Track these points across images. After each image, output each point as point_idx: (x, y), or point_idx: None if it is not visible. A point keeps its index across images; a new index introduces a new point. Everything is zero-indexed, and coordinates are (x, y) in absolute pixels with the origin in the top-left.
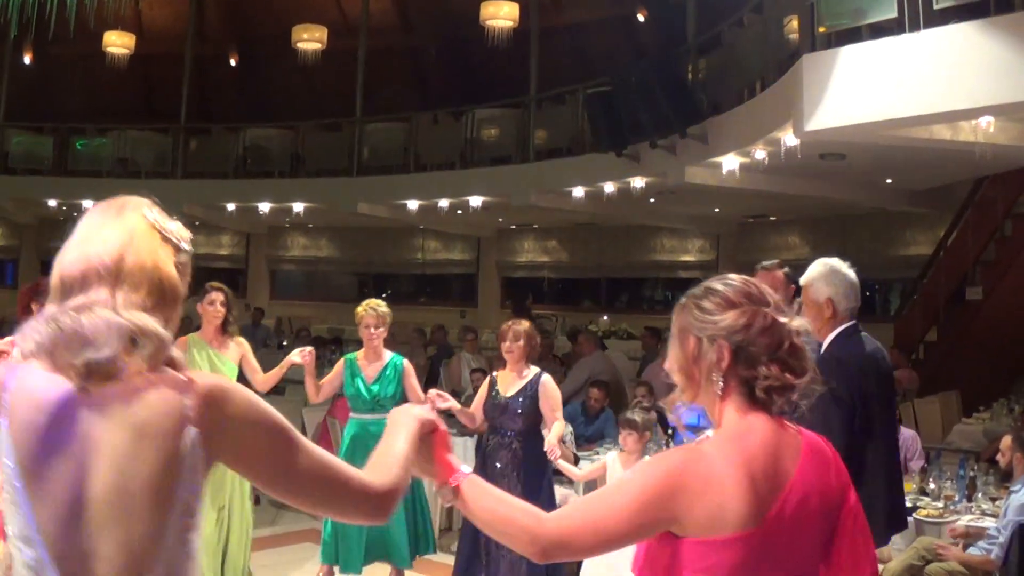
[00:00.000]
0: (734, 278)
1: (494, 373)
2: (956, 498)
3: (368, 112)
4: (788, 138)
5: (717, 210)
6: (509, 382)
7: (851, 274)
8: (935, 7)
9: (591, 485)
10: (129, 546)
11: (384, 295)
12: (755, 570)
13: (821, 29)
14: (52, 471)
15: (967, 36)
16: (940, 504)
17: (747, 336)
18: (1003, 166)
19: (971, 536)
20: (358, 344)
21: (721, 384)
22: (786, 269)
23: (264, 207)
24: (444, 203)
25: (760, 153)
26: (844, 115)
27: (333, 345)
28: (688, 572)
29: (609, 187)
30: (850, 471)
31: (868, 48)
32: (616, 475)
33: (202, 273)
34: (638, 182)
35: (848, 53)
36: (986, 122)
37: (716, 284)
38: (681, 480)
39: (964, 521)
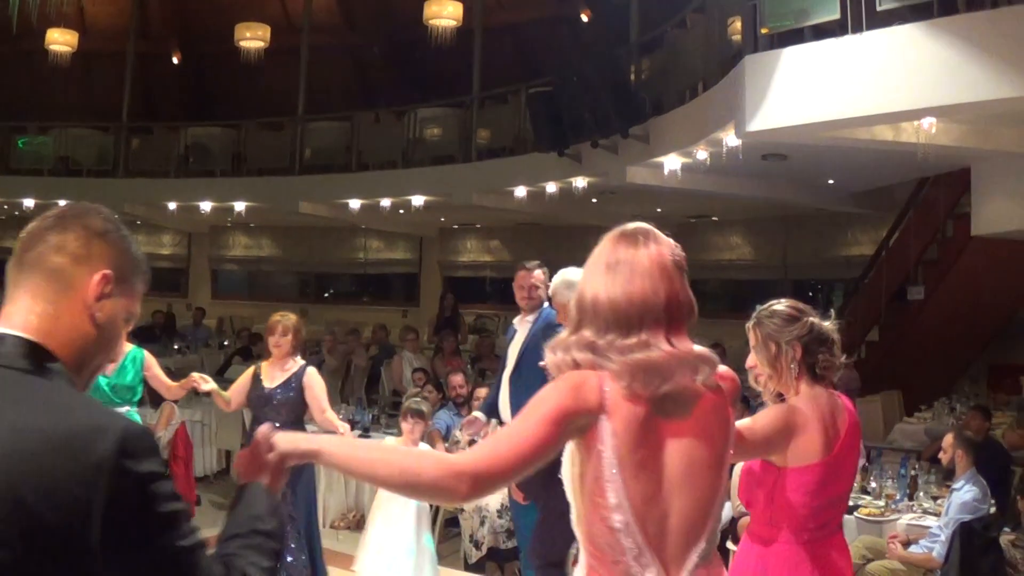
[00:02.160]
0: (784, 301)
1: (259, 364)
2: (897, 497)
3: (311, 111)
4: (730, 139)
5: (659, 210)
6: (273, 374)
7: None
8: (878, 8)
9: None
10: (697, 509)
11: (326, 295)
12: (829, 484)
13: (764, 30)
14: (640, 457)
15: (910, 38)
16: (881, 503)
17: (809, 337)
18: (945, 167)
19: (912, 540)
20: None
21: (796, 370)
22: (544, 268)
23: (206, 206)
24: (386, 202)
25: (702, 153)
26: (786, 116)
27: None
28: (789, 490)
29: (551, 187)
30: None
31: (810, 49)
32: None
33: None
34: (580, 182)
35: (790, 54)
36: (928, 123)
37: (776, 306)
38: (792, 422)
39: (905, 520)
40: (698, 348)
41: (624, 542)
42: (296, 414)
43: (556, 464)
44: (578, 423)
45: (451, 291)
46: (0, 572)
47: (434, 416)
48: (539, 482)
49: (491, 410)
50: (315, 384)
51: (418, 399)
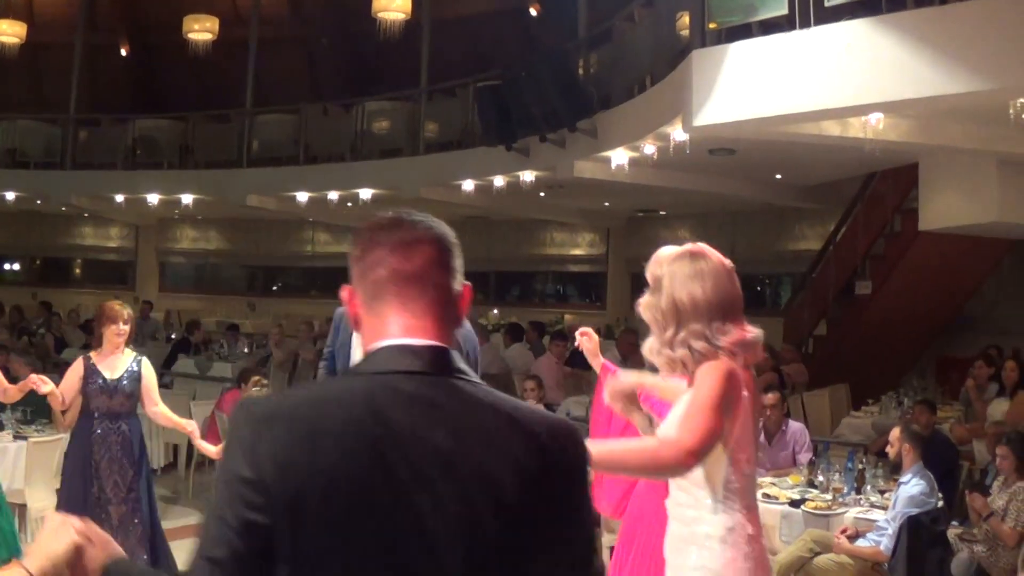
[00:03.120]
0: None
1: (92, 358)
2: (844, 490)
3: (259, 103)
4: (677, 133)
5: (607, 204)
6: (112, 365)
7: None
8: (826, 4)
9: None
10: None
11: (274, 288)
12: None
13: (712, 25)
14: (750, 421)
15: (858, 33)
16: (828, 496)
17: None
18: (893, 162)
19: (860, 533)
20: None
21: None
22: None
23: (153, 199)
24: (334, 195)
25: (649, 148)
26: (733, 111)
27: (229, 333)
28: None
29: (499, 181)
30: None
31: (758, 44)
32: None
33: (91, 265)
34: (528, 176)
35: (738, 49)
36: (875, 119)
37: None
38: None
39: (852, 513)
40: (758, 328)
41: (749, 487)
42: (135, 405)
43: None
44: (731, 398)
45: None
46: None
47: None
48: None
49: None
50: (151, 375)
51: (259, 388)
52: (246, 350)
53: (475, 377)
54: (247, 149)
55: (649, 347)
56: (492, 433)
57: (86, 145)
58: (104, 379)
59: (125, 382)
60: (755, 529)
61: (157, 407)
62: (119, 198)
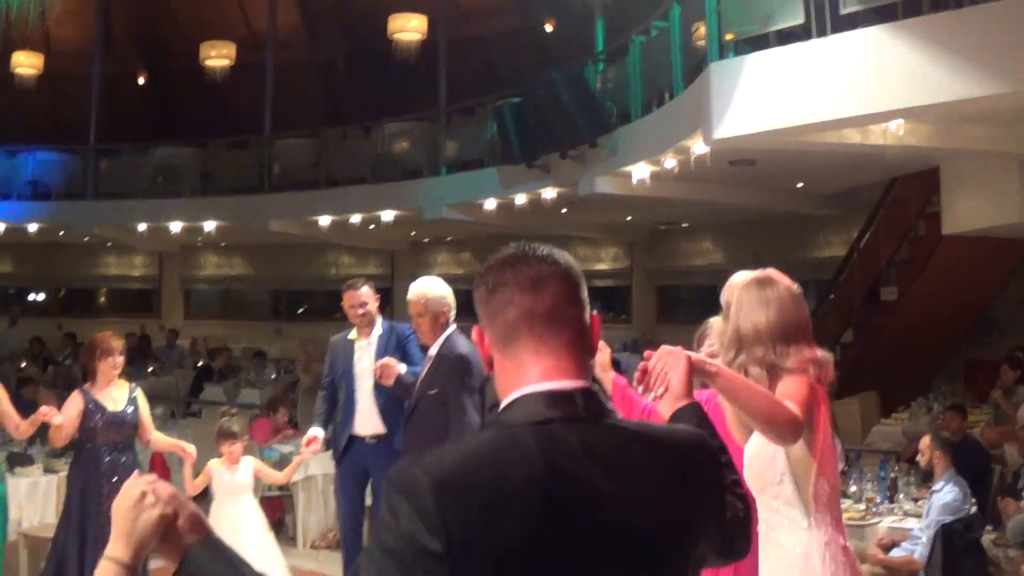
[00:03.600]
0: None
1: (90, 391)
2: (878, 500)
3: (278, 128)
4: (697, 146)
5: (629, 218)
6: (112, 397)
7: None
8: (842, 12)
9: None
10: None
11: (299, 311)
12: None
13: (728, 36)
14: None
15: (875, 40)
16: (862, 507)
17: None
18: (914, 167)
19: (896, 543)
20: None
21: None
22: (370, 284)
23: (176, 227)
24: (356, 218)
25: (670, 162)
26: (753, 122)
27: (256, 359)
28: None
29: (521, 199)
30: None
31: (775, 55)
32: (223, 481)
33: (116, 294)
34: (549, 193)
35: (755, 60)
36: (896, 125)
37: None
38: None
39: (887, 523)
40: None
41: (834, 500)
42: (135, 435)
43: None
44: (813, 408)
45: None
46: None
47: None
48: None
49: (325, 425)
50: (146, 405)
51: (228, 419)
52: (273, 376)
53: (618, 414)
54: (268, 174)
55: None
56: (648, 470)
57: (107, 175)
58: (107, 411)
59: (130, 413)
60: (844, 539)
61: (153, 435)
62: (142, 227)
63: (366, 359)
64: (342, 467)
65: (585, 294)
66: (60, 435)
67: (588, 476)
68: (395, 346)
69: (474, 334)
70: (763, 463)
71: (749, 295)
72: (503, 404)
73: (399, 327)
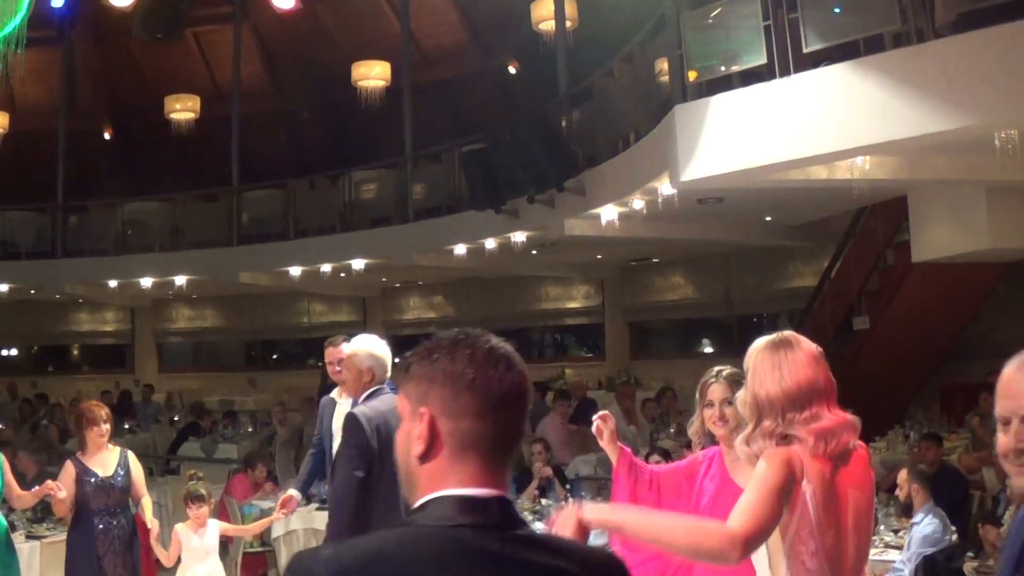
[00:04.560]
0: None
1: (81, 458)
2: None
3: (245, 179)
4: (664, 187)
5: (599, 257)
6: (103, 462)
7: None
8: (804, 50)
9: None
10: (860, 548)
11: (274, 356)
12: None
13: (692, 75)
14: (829, 511)
15: (838, 78)
16: None
17: None
18: (881, 197)
19: None
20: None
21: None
22: (344, 337)
23: (146, 282)
24: (327, 267)
25: (638, 203)
26: (719, 163)
27: (226, 419)
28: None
29: (490, 243)
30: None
31: (739, 95)
32: (191, 544)
33: (89, 350)
34: (519, 236)
35: (719, 101)
36: (862, 160)
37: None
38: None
39: (869, 555)
40: (849, 414)
41: (826, 566)
42: (128, 498)
43: None
44: (789, 487)
45: (403, 350)
46: None
47: None
48: None
49: (305, 487)
50: (139, 468)
51: (195, 483)
52: (250, 429)
53: (529, 527)
54: (236, 226)
55: (740, 439)
56: None
57: (76, 232)
58: (99, 477)
59: (120, 478)
60: None
61: (144, 499)
62: (112, 283)
63: (340, 417)
64: None
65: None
66: (63, 507)
67: None
68: None
69: (411, 415)
70: None
71: (763, 359)
72: (419, 503)
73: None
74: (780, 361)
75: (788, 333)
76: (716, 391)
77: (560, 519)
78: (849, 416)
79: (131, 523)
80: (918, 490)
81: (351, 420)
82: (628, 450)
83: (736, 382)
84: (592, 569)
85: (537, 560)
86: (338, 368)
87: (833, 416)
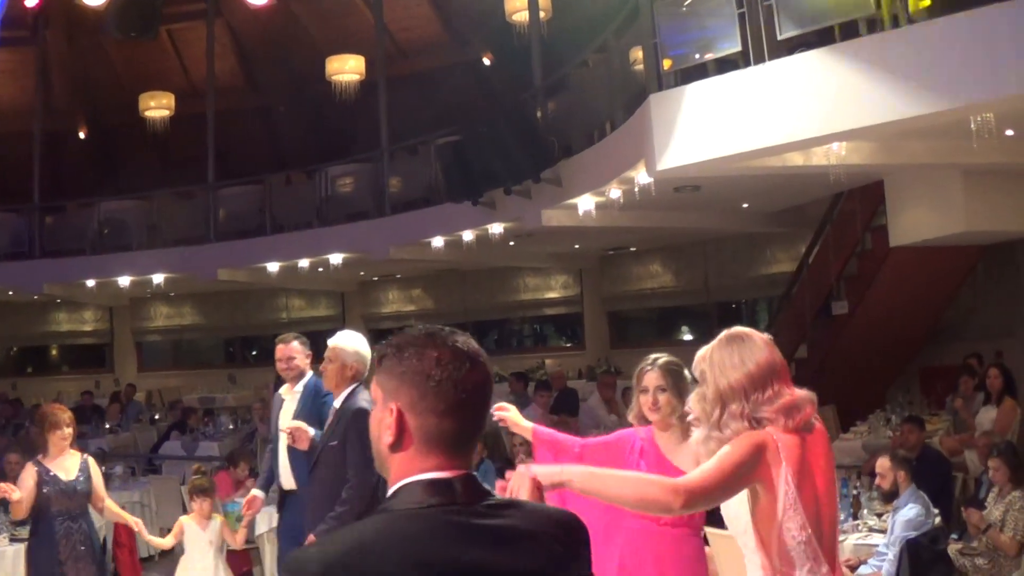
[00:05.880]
0: None
1: (43, 462)
2: (842, 517)
3: (221, 176)
4: (641, 176)
5: (577, 247)
6: (64, 467)
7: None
8: (778, 38)
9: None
10: (833, 513)
11: (253, 352)
12: None
13: (666, 64)
14: (805, 484)
15: (813, 64)
16: None
17: None
18: (858, 182)
19: (862, 561)
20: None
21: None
22: (301, 339)
23: (124, 281)
24: (304, 263)
25: (615, 192)
26: (695, 152)
27: (207, 417)
28: None
29: (468, 235)
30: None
31: (714, 83)
32: (195, 536)
33: (68, 351)
34: (496, 228)
35: (694, 90)
36: (838, 145)
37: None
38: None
39: (852, 540)
40: (805, 390)
41: (807, 551)
42: (88, 503)
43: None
44: (756, 464)
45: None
46: None
47: None
48: None
49: (267, 484)
50: (98, 473)
51: (200, 477)
52: (231, 427)
53: (494, 495)
54: (213, 223)
55: (697, 439)
56: (531, 542)
57: (53, 232)
58: (60, 481)
59: (81, 482)
60: None
61: (105, 503)
62: (90, 283)
63: (285, 414)
64: (282, 520)
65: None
66: (20, 508)
67: (467, 553)
68: (311, 404)
69: (382, 405)
70: (731, 513)
71: (720, 354)
72: (392, 489)
73: (321, 384)
74: (737, 349)
75: (735, 328)
76: (651, 378)
77: (513, 482)
78: (805, 392)
79: (92, 528)
80: (903, 476)
81: (364, 417)
82: (540, 427)
83: (671, 371)
84: (555, 525)
85: (503, 524)
86: (285, 366)
87: (792, 392)
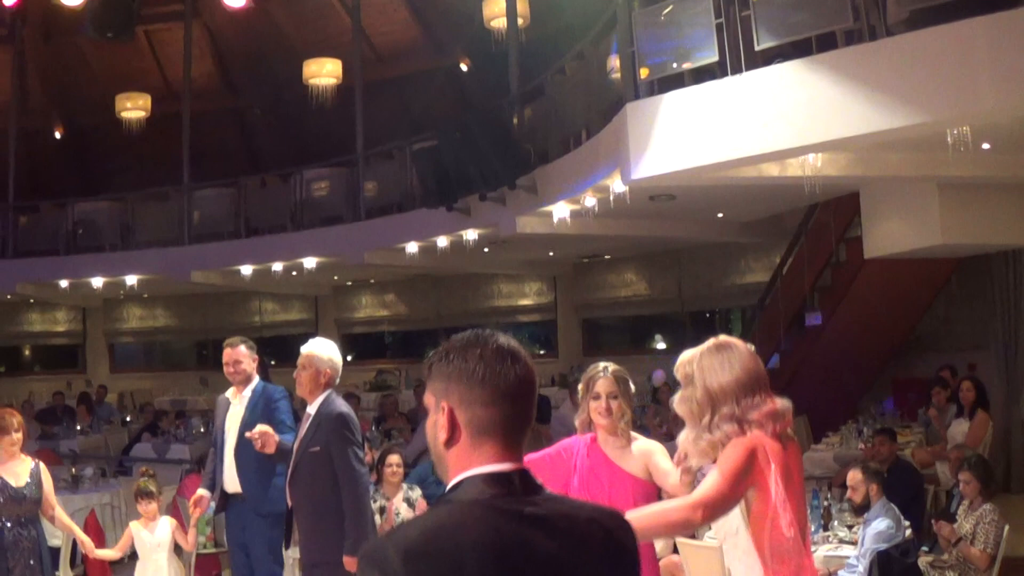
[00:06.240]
0: None
1: None
2: (812, 529)
3: (196, 178)
4: (616, 185)
5: (552, 254)
6: (14, 472)
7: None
8: (756, 48)
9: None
10: (804, 510)
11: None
12: None
13: (643, 72)
14: (789, 483)
15: (790, 75)
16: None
17: None
18: (834, 193)
19: (832, 573)
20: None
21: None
22: (248, 343)
23: (97, 282)
24: (278, 266)
25: (590, 200)
26: (671, 161)
27: (177, 420)
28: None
29: (442, 241)
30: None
31: (691, 93)
32: (143, 539)
33: (40, 351)
34: (471, 234)
35: (671, 99)
36: (814, 157)
37: None
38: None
39: (822, 552)
40: (785, 399)
41: (797, 544)
42: (39, 509)
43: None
44: (749, 470)
45: (356, 348)
46: None
47: None
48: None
49: (213, 485)
50: (49, 480)
51: (145, 479)
52: (202, 429)
53: (547, 490)
54: (188, 225)
55: (686, 438)
56: (583, 532)
57: (27, 232)
58: (9, 487)
59: (31, 488)
60: None
61: (55, 511)
62: (63, 283)
63: (233, 418)
64: (227, 520)
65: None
66: None
67: (530, 539)
68: (262, 408)
69: (435, 408)
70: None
71: (711, 359)
72: (451, 483)
73: (271, 389)
74: (726, 357)
75: (721, 337)
76: (603, 385)
77: None
78: (786, 399)
79: (42, 536)
80: (875, 489)
81: (349, 420)
82: None
83: (620, 378)
84: (607, 520)
85: (559, 516)
86: (231, 370)
87: (774, 401)
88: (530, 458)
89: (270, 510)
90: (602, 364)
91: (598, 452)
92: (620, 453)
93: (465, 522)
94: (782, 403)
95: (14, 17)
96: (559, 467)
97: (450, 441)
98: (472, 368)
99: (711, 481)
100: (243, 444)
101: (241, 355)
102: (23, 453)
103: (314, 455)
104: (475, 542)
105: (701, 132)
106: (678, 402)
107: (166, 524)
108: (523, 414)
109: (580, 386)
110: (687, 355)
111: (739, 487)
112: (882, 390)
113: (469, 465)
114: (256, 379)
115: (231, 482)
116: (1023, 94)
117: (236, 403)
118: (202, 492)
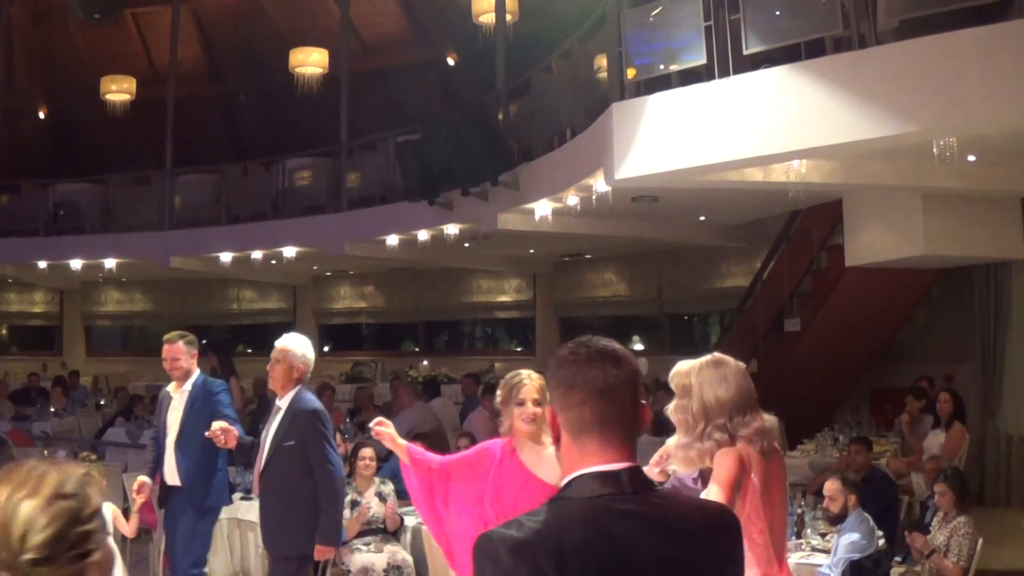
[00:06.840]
0: None
1: None
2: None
3: (179, 163)
4: (599, 184)
5: (532, 251)
6: None
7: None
8: (745, 52)
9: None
10: (784, 521)
11: (201, 343)
12: None
13: (630, 73)
14: (768, 494)
15: (777, 81)
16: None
17: None
18: (817, 200)
19: None
20: None
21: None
22: (187, 338)
23: (76, 264)
24: (258, 254)
25: (572, 199)
26: (654, 162)
27: (152, 405)
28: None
29: (423, 235)
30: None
31: (677, 95)
32: None
33: (17, 332)
34: (452, 229)
35: (657, 101)
36: (798, 163)
37: None
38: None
39: (795, 559)
40: (771, 416)
41: (766, 551)
42: None
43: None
44: (741, 479)
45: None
46: None
47: None
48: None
49: (154, 472)
50: None
51: (87, 465)
52: None
53: (659, 487)
54: (169, 210)
55: (677, 443)
56: (689, 530)
57: (7, 211)
58: None
59: None
60: None
61: None
62: (42, 264)
63: (173, 411)
64: (165, 514)
65: (641, 389)
66: None
67: (634, 537)
68: (202, 401)
69: (549, 415)
70: None
71: (708, 374)
72: (564, 481)
73: (210, 382)
74: (724, 373)
75: (716, 354)
76: (528, 391)
77: None
78: (772, 416)
79: None
80: (854, 500)
81: (322, 416)
82: (413, 446)
83: (544, 386)
84: (715, 518)
85: (669, 514)
86: (170, 366)
87: (762, 419)
88: (449, 459)
89: (210, 505)
90: (525, 371)
91: (514, 459)
92: (537, 460)
93: (571, 520)
94: (770, 420)
95: None
96: (477, 469)
97: (557, 442)
98: (564, 372)
99: (714, 493)
100: (184, 438)
101: (179, 351)
102: None
103: (288, 449)
104: (579, 539)
105: (686, 134)
106: (673, 410)
107: (107, 510)
108: (621, 414)
109: (499, 392)
110: (683, 367)
111: (734, 494)
112: (860, 399)
113: (578, 465)
114: (196, 373)
115: (171, 475)
116: (1011, 107)
117: (177, 397)
118: (143, 479)
